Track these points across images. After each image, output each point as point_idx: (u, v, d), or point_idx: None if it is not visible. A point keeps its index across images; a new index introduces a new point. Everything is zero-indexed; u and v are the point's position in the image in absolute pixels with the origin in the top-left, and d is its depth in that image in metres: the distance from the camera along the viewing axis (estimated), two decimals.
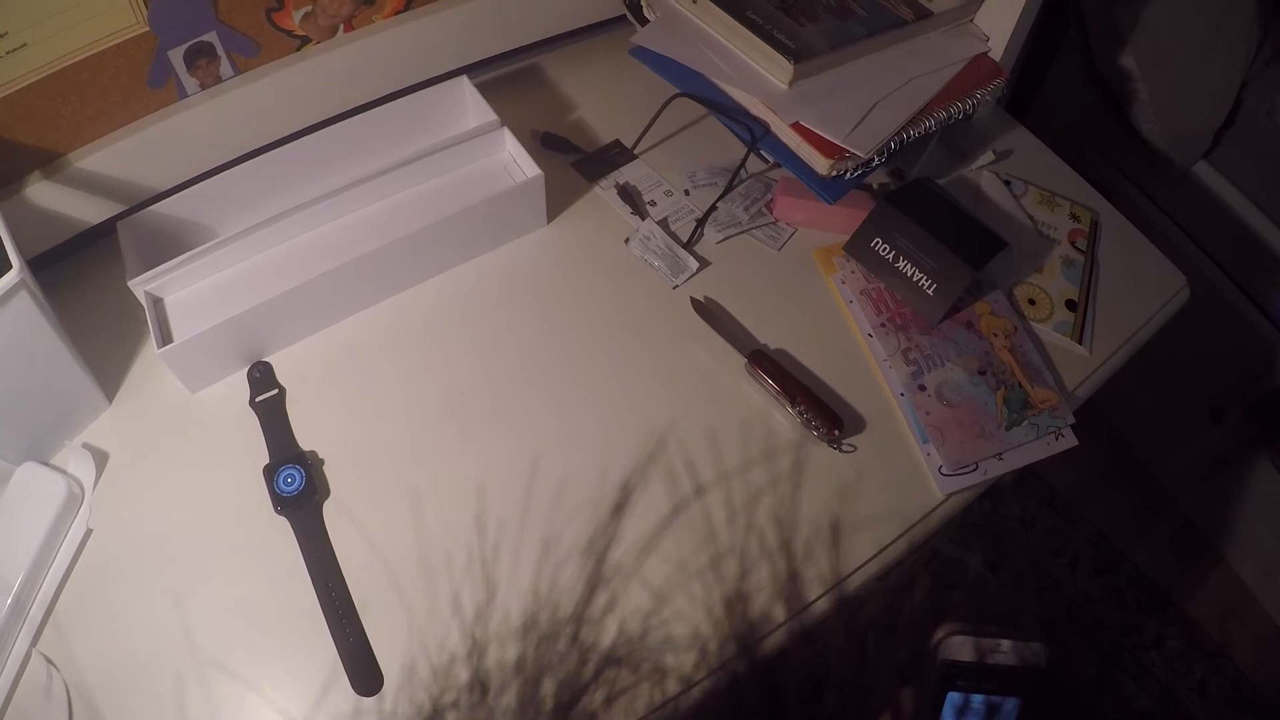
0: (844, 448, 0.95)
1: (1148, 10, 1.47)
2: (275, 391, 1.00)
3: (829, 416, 0.95)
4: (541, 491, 0.91)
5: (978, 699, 0.71)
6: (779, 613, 0.84)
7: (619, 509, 0.89)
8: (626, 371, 1.00)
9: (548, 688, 0.70)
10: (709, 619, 0.83)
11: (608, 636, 0.82)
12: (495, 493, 0.91)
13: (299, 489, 0.91)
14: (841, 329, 1.04)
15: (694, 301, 1.05)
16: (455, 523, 0.90)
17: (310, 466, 0.93)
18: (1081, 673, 1.83)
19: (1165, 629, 1.92)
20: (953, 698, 0.71)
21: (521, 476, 0.92)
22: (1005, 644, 0.70)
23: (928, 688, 0.72)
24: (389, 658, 0.83)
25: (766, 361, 0.98)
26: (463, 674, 0.77)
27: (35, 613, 0.90)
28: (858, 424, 0.97)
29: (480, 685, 0.71)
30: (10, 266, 0.85)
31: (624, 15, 1.24)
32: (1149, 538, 2.04)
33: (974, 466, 0.94)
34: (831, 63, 1.09)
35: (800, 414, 0.95)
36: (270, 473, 0.93)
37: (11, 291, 0.85)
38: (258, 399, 0.99)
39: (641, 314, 1.05)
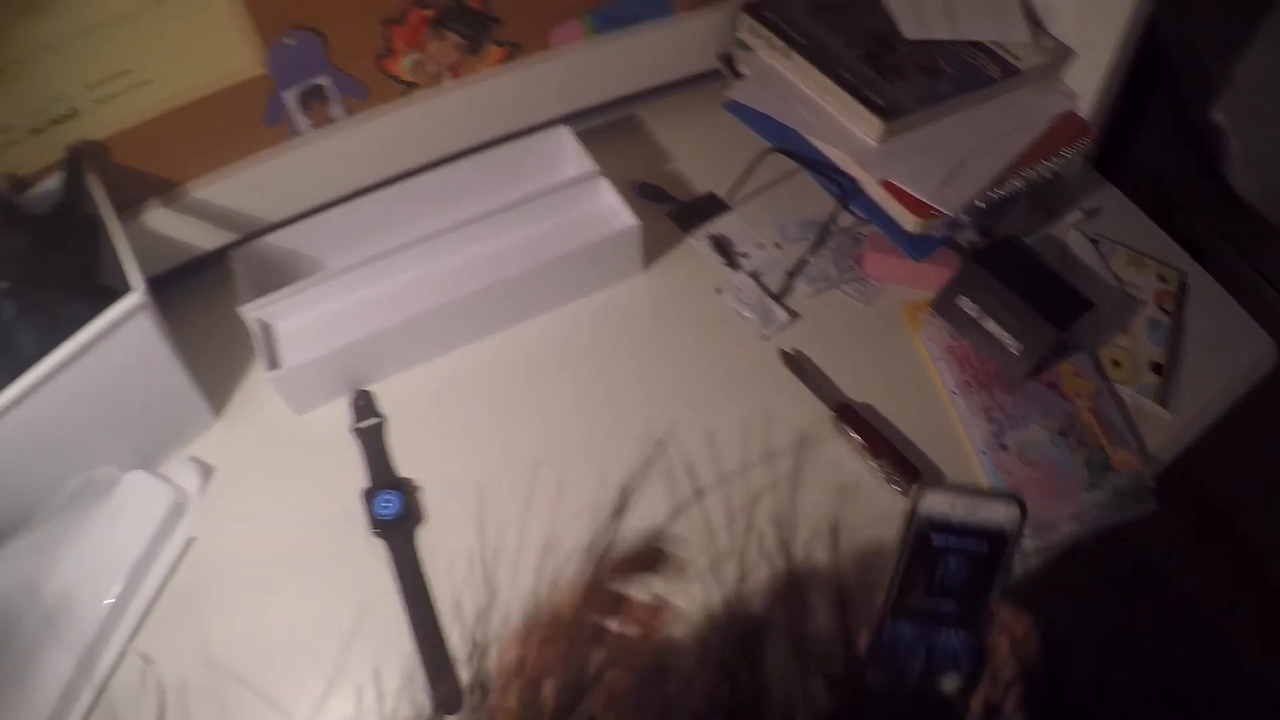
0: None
1: (1242, 63, 1.45)
2: (376, 419, 1.04)
3: (911, 473, 0.95)
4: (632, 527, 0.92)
5: (955, 556, 0.75)
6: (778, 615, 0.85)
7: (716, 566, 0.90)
8: (714, 419, 1.00)
9: (548, 690, 0.69)
10: (708, 622, 0.84)
11: None
12: (575, 532, 0.90)
13: (396, 513, 0.95)
14: (926, 385, 1.05)
15: (783, 354, 1.06)
16: (531, 564, 0.90)
17: (408, 492, 0.96)
18: None
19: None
20: (929, 551, 0.75)
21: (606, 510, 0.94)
22: (981, 501, 0.74)
23: (904, 542, 0.75)
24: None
25: (853, 416, 0.99)
26: (464, 676, 0.78)
27: (135, 611, 0.95)
28: (938, 479, 0.97)
29: (481, 687, 0.71)
30: (131, 289, 0.91)
31: (718, 69, 1.27)
32: (1236, 613, 1.98)
33: (1052, 528, 0.94)
34: (921, 120, 1.10)
35: (883, 469, 0.96)
36: (369, 496, 0.96)
37: (132, 312, 0.90)
38: (359, 425, 1.03)
39: (731, 363, 1.07)
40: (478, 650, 0.75)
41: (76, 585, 0.95)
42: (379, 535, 0.94)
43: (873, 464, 0.97)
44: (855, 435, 0.98)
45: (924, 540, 0.75)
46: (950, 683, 0.78)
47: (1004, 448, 0.98)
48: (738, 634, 0.79)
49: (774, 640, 0.81)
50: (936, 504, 0.74)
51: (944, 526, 0.74)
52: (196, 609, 0.93)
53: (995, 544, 0.75)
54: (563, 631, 0.69)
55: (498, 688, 0.67)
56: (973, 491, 0.74)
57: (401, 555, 0.93)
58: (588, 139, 1.18)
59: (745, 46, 1.23)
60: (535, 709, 0.66)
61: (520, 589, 0.87)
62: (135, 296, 0.89)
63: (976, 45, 1.17)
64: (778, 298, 1.11)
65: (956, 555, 0.75)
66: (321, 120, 1.14)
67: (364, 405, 1.04)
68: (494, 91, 1.18)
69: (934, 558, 0.76)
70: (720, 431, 0.99)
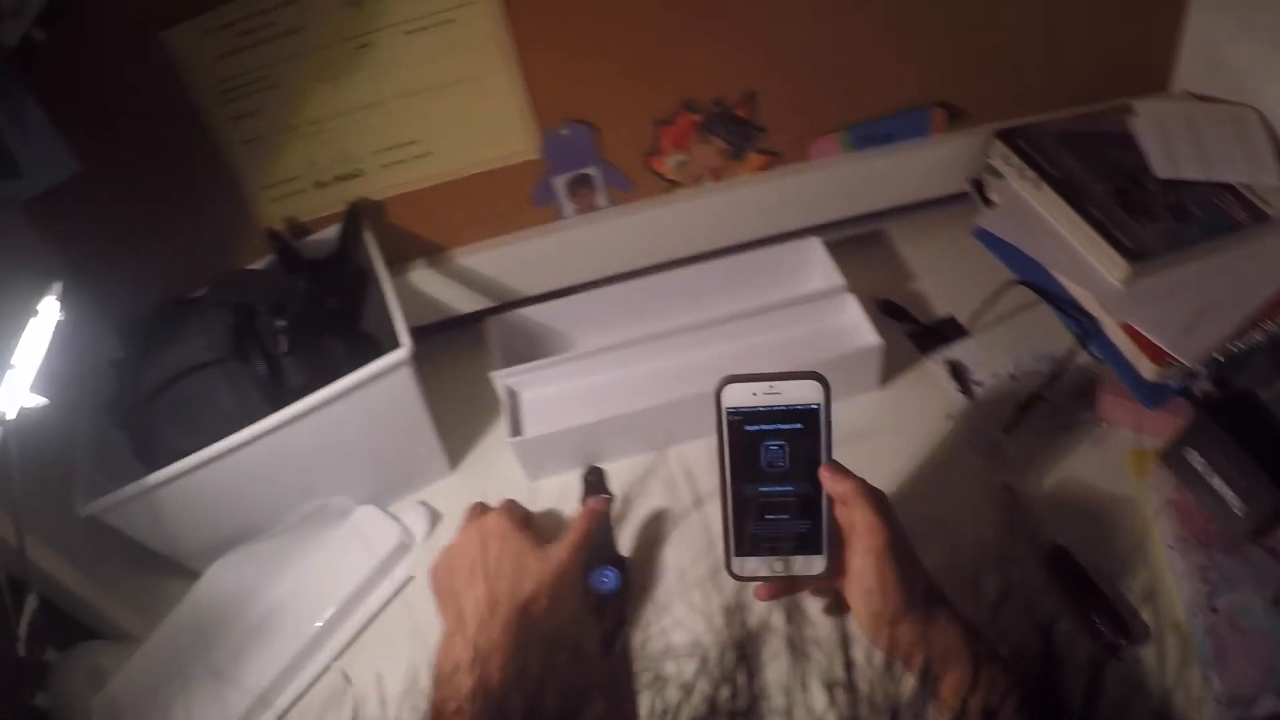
0: (1127, 659, 0.91)
1: None
2: (606, 495, 1.06)
3: (1120, 626, 0.91)
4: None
5: (772, 443, 0.81)
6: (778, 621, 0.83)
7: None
8: (926, 543, 0.99)
9: (550, 696, 0.69)
10: (709, 627, 0.81)
11: None
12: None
13: (613, 589, 0.95)
14: (1144, 536, 1.00)
15: (1004, 487, 1.04)
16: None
17: (625, 570, 0.97)
18: None
19: None
20: (741, 440, 0.80)
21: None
22: (780, 384, 0.79)
23: (718, 436, 0.80)
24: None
25: (1066, 560, 0.96)
26: (466, 682, 0.77)
27: (346, 632, 1.00)
28: (1143, 636, 0.91)
29: (484, 693, 0.71)
30: (400, 345, 0.96)
31: (967, 192, 1.28)
32: None
33: (1254, 701, 0.89)
34: (1167, 264, 1.07)
35: (1090, 618, 0.92)
36: (588, 567, 0.97)
37: (397, 366, 0.96)
38: (589, 499, 1.06)
39: (951, 491, 1.05)
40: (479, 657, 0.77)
41: (294, 599, 1.02)
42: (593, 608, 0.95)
43: (1079, 613, 0.93)
44: (1066, 581, 0.94)
45: (738, 431, 0.80)
46: (816, 565, 0.82)
47: (1214, 610, 0.93)
48: (736, 639, 0.79)
49: (773, 645, 0.82)
50: (737, 394, 0.80)
51: (753, 415, 0.80)
52: (404, 642, 0.95)
53: (808, 420, 0.80)
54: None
55: (498, 695, 0.69)
56: (770, 376, 0.79)
57: (612, 629, 0.93)
58: (835, 250, 1.19)
59: (996, 173, 1.22)
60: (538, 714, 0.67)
61: None
62: (403, 352, 0.95)
63: (1225, 187, 1.13)
64: (1007, 430, 1.10)
65: (774, 438, 0.80)
66: (586, 207, 1.19)
67: (595, 480, 1.07)
68: (751, 197, 1.21)
69: (754, 446, 0.81)
70: (935, 555, 0.97)
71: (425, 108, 1.07)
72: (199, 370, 0.96)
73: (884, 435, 1.11)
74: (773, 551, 0.82)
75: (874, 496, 0.80)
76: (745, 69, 1.12)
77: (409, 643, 0.93)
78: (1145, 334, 1.04)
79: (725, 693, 0.56)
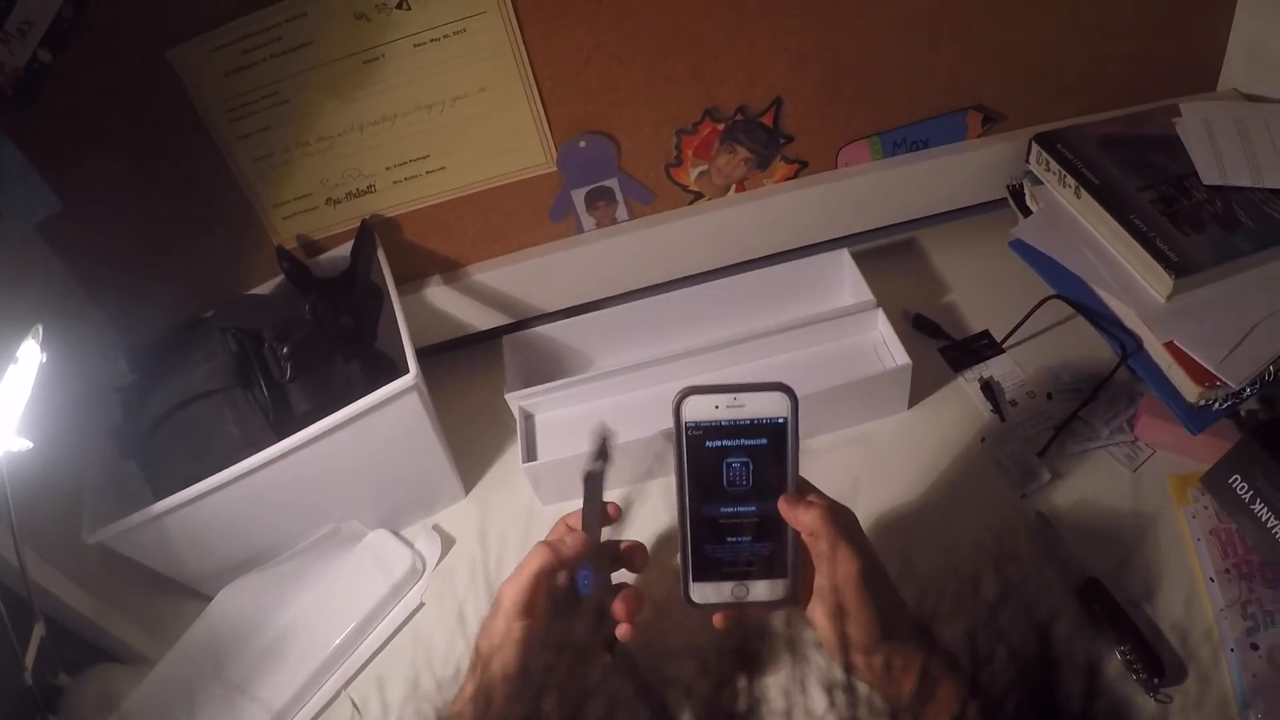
0: (1160, 697, 0.87)
1: None
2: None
3: (1154, 663, 0.87)
4: None
5: (735, 460, 0.76)
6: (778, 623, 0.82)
7: None
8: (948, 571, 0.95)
9: (550, 699, 0.68)
10: (709, 629, 0.80)
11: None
12: None
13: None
14: (1182, 566, 0.95)
15: (1038, 515, 1.00)
16: None
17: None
18: None
19: None
20: (702, 456, 0.76)
21: None
22: (743, 396, 0.75)
23: (679, 455, 0.76)
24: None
25: (1100, 593, 0.92)
26: (467, 686, 0.77)
27: (356, 659, 0.99)
28: (1178, 672, 0.88)
29: (485, 697, 0.71)
30: (408, 370, 0.95)
31: (1004, 198, 1.23)
32: None
33: None
34: (1213, 278, 1.02)
35: (1123, 654, 0.88)
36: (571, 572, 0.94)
37: (405, 392, 0.94)
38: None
39: (982, 516, 1.01)
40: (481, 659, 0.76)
41: (305, 624, 1.01)
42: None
43: (1114, 648, 0.89)
44: (1100, 615, 0.90)
45: (698, 447, 0.76)
46: (779, 589, 0.78)
47: (1254, 647, 0.88)
48: (737, 642, 0.77)
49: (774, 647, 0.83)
50: (698, 407, 0.75)
51: (714, 430, 0.75)
52: (414, 670, 0.95)
53: (774, 435, 0.75)
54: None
55: (500, 695, 0.69)
56: (733, 387, 0.75)
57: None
58: (865, 260, 1.16)
59: (1035, 180, 1.17)
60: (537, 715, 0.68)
61: None
62: (409, 379, 0.94)
63: (1277, 194, 1.07)
64: (1042, 453, 1.05)
65: (736, 455, 0.76)
66: (606, 220, 1.17)
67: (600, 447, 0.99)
68: (777, 208, 1.18)
69: (715, 463, 0.76)
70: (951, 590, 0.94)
71: (437, 121, 1.05)
72: (203, 398, 0.95)
73: (911, 457, 1.08)
74: (733, 576, 0.78)
75: (841, 521, 0.75)
76: (771, 74, 1.08)
77: (420, 670, 0.95)
78: (1189, 353, 0.98)
79: (725, 695, 0.56)
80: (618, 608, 0.81)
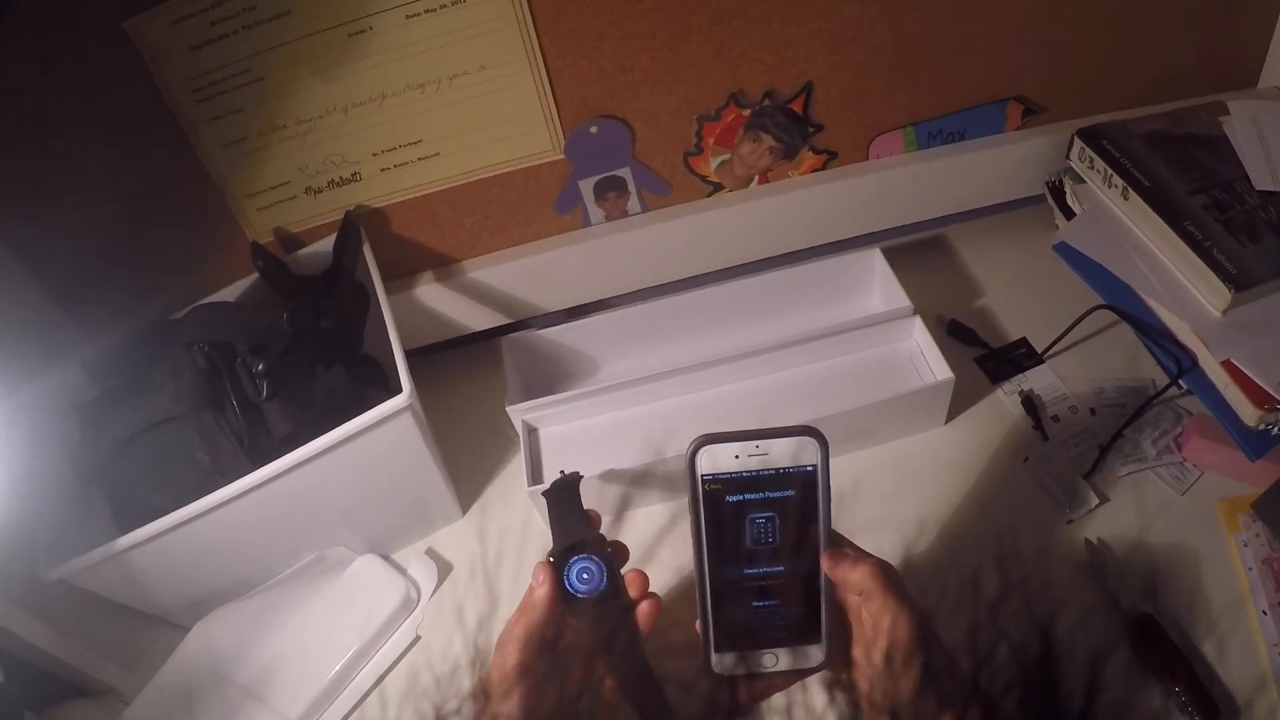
0: None
1: None
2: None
3: (1207, 705, 0.81)
4: None
5: (759, 515, 0.68)
6: None
7: None
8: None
9: (550, 695, 0.68)
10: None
11: None
12: None
13: (597, 587, 0.78)
14: (1233, 597, 0.90)
15: (1088, 543, 0.94)
16: None
17: (611, 557, 0.83)
18: None
19: None
20: (722, 513, 0.68)
21: None
22: (766, 443, 0.67)
23: (696, 513, 0.68)
24: None
25: (1154, 630, 0.86)
26: (465, 682, 0.75)
27: (346, 700, 0.92)
28: (1231, 712, 0.83)
29: (484, 693, 0.68)
30: (401, 390, 0.86)
31: (1041, 195, 1.16)
32: None
33: None
34: (1272, 291, 0.95)
35: (1178, 695, 0.83)
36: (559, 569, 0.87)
37: (397, 413, 0.85)
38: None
39: (1029, 544, 0.95)
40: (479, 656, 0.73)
41: (286, 662, 0.94)
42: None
43: (1167, 688, 0.84)
44: (1154, 654, 0.85)
45: (717, 503, 0.68)
46: (814, 656, 0.69)
47: None
48: None
49: None
50: (716, 457, 0.67)
51: (735, 483, 0.67)
52: (409, 711, 0.89)
53: (802, 485, 0.68)
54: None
55: (499, 693, 0.67)
56: (754, 434, 0.67)
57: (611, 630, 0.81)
58: (894, 258, 1.09)
59: (1077, 178, 1.10)
60: (536, 713, 0.67)
61: None
62: (403, 399, 0.85)
63: None
64: (1089, 475, 0.98)
65: (760, 509, 0.68)
66: (616, 213, 1.09)
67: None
68: (803, 201, 1.10)
69: (737, 520, 0.68)
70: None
71: (432, 102, 0.96)
72: (168, 423, 0.86)
73: (949, 478, 1.01)
74: (760, 644, 0.69)
75: (893, 579, 0.68)
76: (801, 58, 1.00)
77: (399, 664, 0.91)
78: (1248, 373, 0.92)
79: (724, 692, 0.58)
80: (631, 584, 0.75)
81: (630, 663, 0.74)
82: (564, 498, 0.77)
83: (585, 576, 0.74)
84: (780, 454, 0.67)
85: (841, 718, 0.53)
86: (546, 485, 0.78)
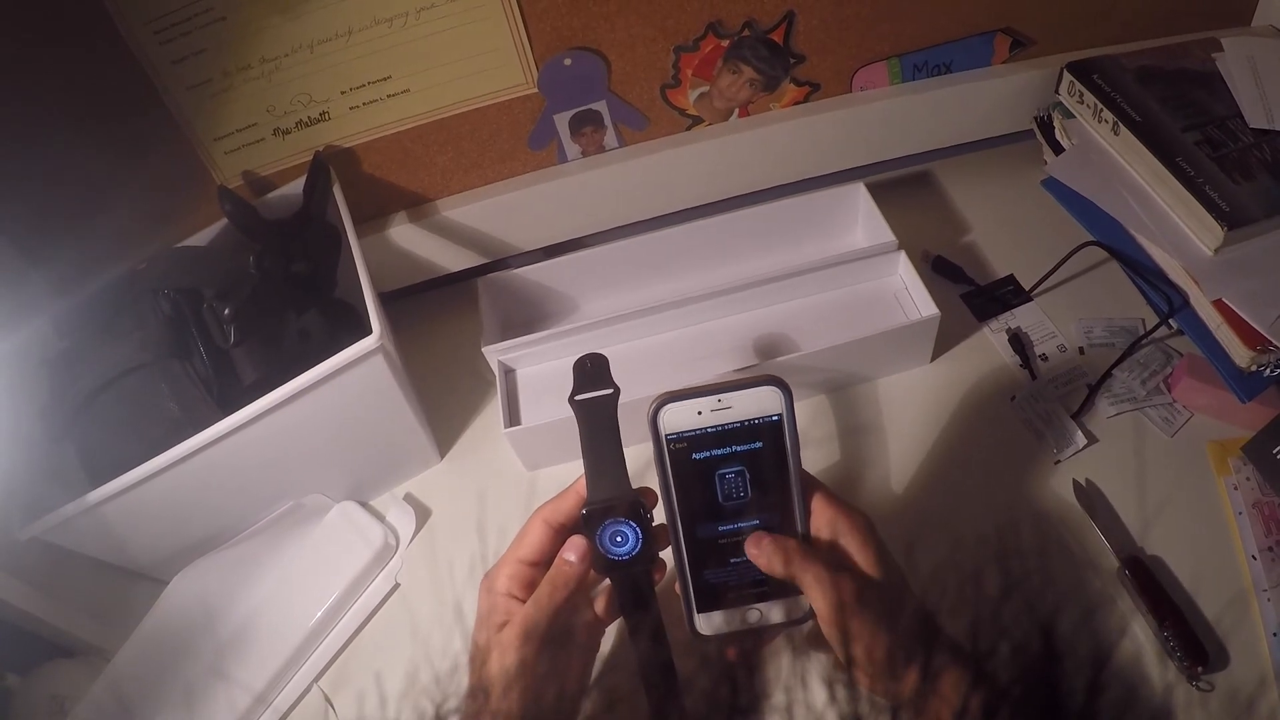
0: (1202, 686, 0.81)
1: None
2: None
3: (1195, 649, 0.81)
4: None
5: (728, 470, 0.67)
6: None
7: None
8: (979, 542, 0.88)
9: (549, 694, 0.68)
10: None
11: (606, 643, 0.79)
12: None
13: (632, 550, 0.73)
14: (1223, 542, 0.89)
15: (1076, 485, 0.93)
16: None
17: (648, 518, 0.78)
18: None
19: None
20: (690, 471, 0.67)
21: None
22: (731, 395, 0.66)
23: (659, 471, 0.67)
24: None
25: (1143, 573, 0.86)
26: (464, 680, 0.73)
27: (326, 649, 0.92)
28: (1220, 658, 0.82)
29: (483, 692, 0.68)
30: (372, 331, 0.84)
31: (1029, 130, 1.14)
32: None
33: None
34: (1264, 230, 0.94)
35: (1165, 638, 0.82)
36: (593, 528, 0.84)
37: (368, 355, 0.84)
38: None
39: (1015, 484, 0.94)
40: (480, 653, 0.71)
41: (267, 611, 0.94)
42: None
43: (1154, 631, 0.83)
44: (1143, 596, 0.84)
45: (684, 461, 0.67)
46: (799, 607, 0.69)
47: None
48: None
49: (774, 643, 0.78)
50: (678, 415, 0.66)
51: (700, 439, 0.66)
52: (390, 660, 0.89)
53: (770, 436, 0.67)
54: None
55: (499, 690, 0.66)
56: (715, 388, 0.66)
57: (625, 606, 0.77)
58: (878, 193, 1.07)
59: (1067, 112, 1.08)
60: (536, 711, 0.67)
61: None
62: (372, 340, 0.83)
63: None
64: (1077, 415, 0.97)
65: (729, 464, 0.67)
66: (593, 148, 1.07)
67: (592, 372, 0.82)
68: (784, 134, 1.08)
69: (706, 477, 0.67)
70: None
71: (400, 37, 0.93)
72: (134, 372, 0.84)
73: (935, 417, 1.00)
74: (742, 601, 0.69)
75: (864, 522, 0.68)
76: None
77: (400, 665, 0.88)
78: (1240, 312, 0.91)
79: (725, 689, 0.55)
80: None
81: (648, 618, 0.71)
82: (597, 415, 0.73)
83: (619, 539, 0.70)
84: (744, 406, 0.65)
85: (842, 716, 0.50)
86: (572, 387, 0.74)
